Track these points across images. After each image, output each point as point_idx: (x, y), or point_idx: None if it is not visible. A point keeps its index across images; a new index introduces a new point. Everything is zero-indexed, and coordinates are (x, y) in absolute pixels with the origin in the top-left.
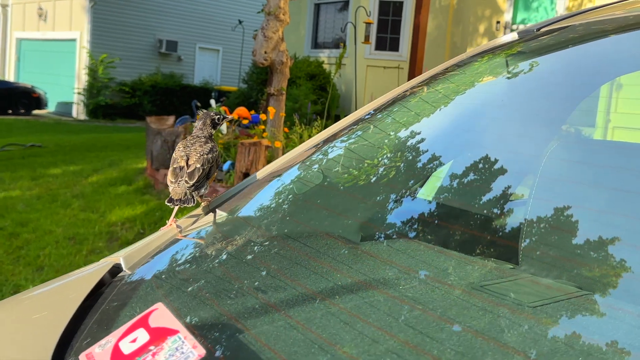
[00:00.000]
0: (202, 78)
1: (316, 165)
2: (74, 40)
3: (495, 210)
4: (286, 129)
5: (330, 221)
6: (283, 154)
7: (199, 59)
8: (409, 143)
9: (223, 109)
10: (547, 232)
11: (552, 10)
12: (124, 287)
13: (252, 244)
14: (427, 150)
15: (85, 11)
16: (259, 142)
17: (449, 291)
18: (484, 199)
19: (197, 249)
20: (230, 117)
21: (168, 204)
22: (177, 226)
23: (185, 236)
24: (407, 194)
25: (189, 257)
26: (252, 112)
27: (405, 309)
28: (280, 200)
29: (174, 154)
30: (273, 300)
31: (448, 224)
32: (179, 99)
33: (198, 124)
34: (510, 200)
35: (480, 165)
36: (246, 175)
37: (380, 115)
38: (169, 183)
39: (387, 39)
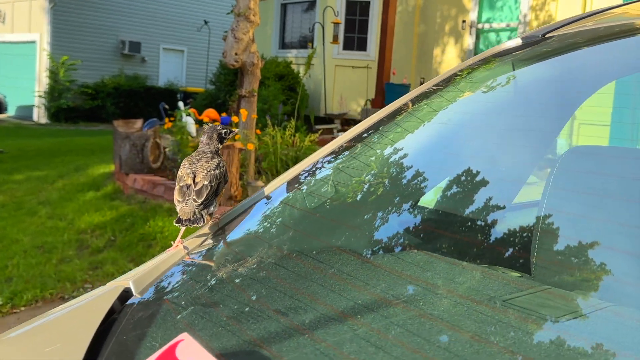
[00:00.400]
0: (167, 79)
1: (327, 178)
2: (33, 42)
3: (509, 221)
4: (258, 131)
5: (343, 235)
6: (256, 156)
7: (164, 60)
8: (414, 155)
9: (192, 111)
10: (560, 242)
11: (517, 9)
12: (137, 314)
13: (266, 263)
14: (434, 160)
15: (45, 12)
16: (232, 145)
17: (471, 307)
18: (497, 209)
19: (208, 270)
20: (236, 131)
21: (177, 225)
22: (185, 247)
23: (193, 258)
24: (419, 205)
25: (202, 280)
26: (223, 114)
27: (433, 327)
28: (292, 216)
29: (179, 172)
30: (298, 323)
31: (462, 235)
32: (144, 101)
33: (204, 138)
34: (525, 209)
35: (491, 176)
36: None
37: (386, 127)
38: (176, 203)
39: (354, 38)
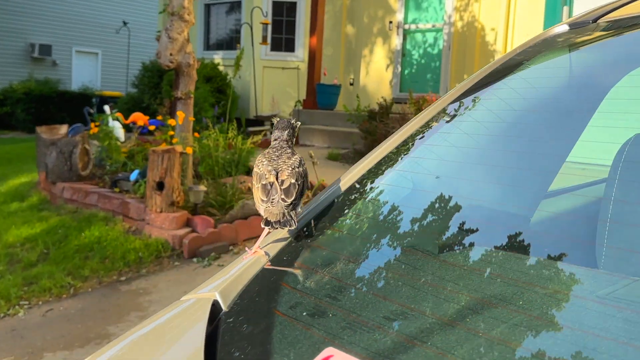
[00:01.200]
0: (82, 83)
1: (407, 170)
2: None
3: (567, 211)
4: (196, 134)
5: (435, 234)
6: (193, 160)
7: (76, 63)
8: (487, 143)
9: (118, 114)
10: (633, 231)
11: (441, 10)
12: (243, 330)
13: (367, 263)
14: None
15: None
16: (172, 149)
17: (585, 305)
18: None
19: (300, 277)
20: (299, 123)
21: (266, 227)
22: (266, 253)
23: (276, 264)
24: (500, 201)
25: (301, 288)
26: (159, 117)
27: (553, 329)
28: (377, 213)
29: (257, 169)
30: (431, 325)
31: (546, 232)
32: (57, 106)
33: (278, 133)
34: (580, 198)
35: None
36: (160, 184)
37: (459, 109)
38: (259, 203)
39: (282, 39)
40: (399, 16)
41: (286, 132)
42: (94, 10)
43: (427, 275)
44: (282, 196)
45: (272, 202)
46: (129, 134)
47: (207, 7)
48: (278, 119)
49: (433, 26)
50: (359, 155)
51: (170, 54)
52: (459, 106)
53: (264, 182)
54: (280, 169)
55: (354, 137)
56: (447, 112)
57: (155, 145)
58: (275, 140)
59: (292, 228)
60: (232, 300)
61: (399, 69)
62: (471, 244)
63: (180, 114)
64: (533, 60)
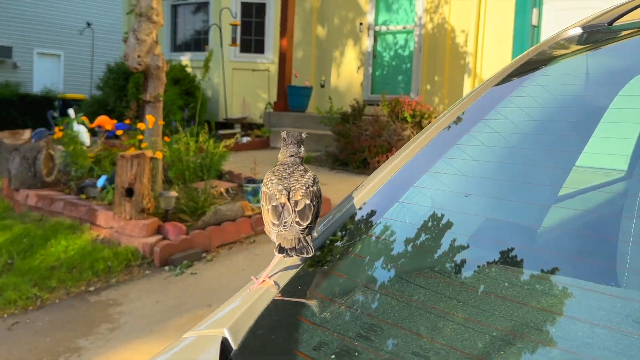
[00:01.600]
0: (43, 86)
1: (426, 186)
2: None
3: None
4: (166, 138)
5: (460, 257)
6: (163, 164)
7: (38, 65)
8: (516, 149)
9: (83, 118)
10: None
11: (412, 12)
12: None
13: (384, 295)
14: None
15: None
16: (142, 154)
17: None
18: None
19: (317, 310)
20: (305, 134)
21: (280, 255)
22: (275, 283)
23: (286, 296)
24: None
25: (318, 322)
26: (127, 121)
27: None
28: (397, 234)
29: (266, 189)
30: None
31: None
32: (17, 110)
33: (294, 149)
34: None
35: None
36: (129, 191)
37: (482, 116)
38: (269, 226)
39: (251, 40)
40: (370, 18)
41: (302, 147)
42: (56, 11)
43: (457, 305)
44: (297, 219)
45: (284, 226)
46: (95, 138)
47: (174, 7)
48: (286, 132)
49: (404, 28)
50: (332, 157)
51: (139, 56)
52: (473, 115)
53: (274, 204)
54: (292, 188)
55: (326, 139)
56: (460, 120)
57: (123, 150)
58: (292, 156)
59: (309, 255)
60: (242, 338)
61: (370, 71)
62: (500, 266)
63: (149, 118)
64: (546, 64)
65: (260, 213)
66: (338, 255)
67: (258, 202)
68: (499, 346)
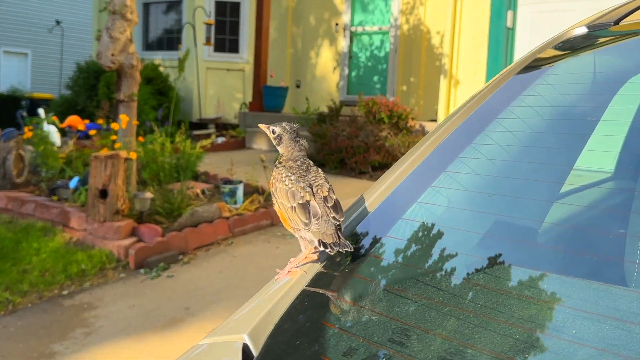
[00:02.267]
0: (10, 85)
1: (442, 185)
2: None
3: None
4: (141, 138)
5: (491, 257)
6: (137, 165)
7: (5, 64)
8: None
9: (53, 118)
10: None
11: (388, 12)
12: None
13: (411, 299)
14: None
15: None
16: (116, 154)
17: None
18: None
19: (343, 314)
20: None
21: (325, 250)
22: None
23: (314, 293)
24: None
25: (345, 328)
26: (100, 121)
27: None
28: (417, 234)
29: (285, 186)
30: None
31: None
32: None
33: (304, 142)
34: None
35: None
36: (103, 192)
37: (483, 118)
38: (298, 225)
39: (226, 40)
40: (345, 18)
41: (295, 140)
42: (24, 8)
43: (488, 309)
44: (332, 214)
45: (319, 224)
46: (65, 139)
47: (146, 5)
48: (285, 125)
49: (380, 29)
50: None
51: (112, 55)
52: (483, 115)
53: (301, 202)
54: (315, 184)
55: None
56: (471, 121)
57: (95, 150)
58: (300, 151)
59: (351, 250)
60: (264, 343)
61: (347, 72)
62: (530, 269)
63: (123, 118)
64: (552, 64)
65: (238, 214)
66: (358, 257)
67: (235, 203)
68: (529, 349)
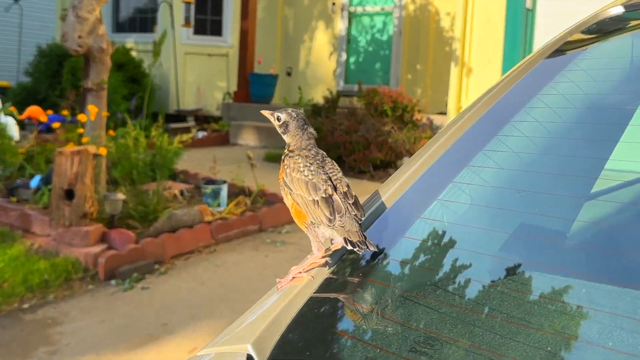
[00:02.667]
0: None
1: (463, 182)
2: None
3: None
4: (112, 132)
5: (514, 261)
6: (107, 162)
7: None
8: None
9: (11, 109)
10: None
11: None
12: None
13: (433, 306)
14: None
15: None
16: (84, 150)
17: None
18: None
19: (356, 322)
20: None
21: (350, 248)
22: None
23: (320, 301)
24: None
25: (360, 337)
26: (49, 111)
27: None
28: (437, 235)
29: (304, 176)
30: None
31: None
32: None
33: (312, 130)
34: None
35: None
36: (69, 193)
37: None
38: (321, 220)
39: (207, 21)
40: None
41: (303, 128)
42: None
43: (516, 318)
44: (355, 212)
45: (342, 221)
46: (25, 132)
47: None
48: (291, 111)
49: (382, 9)
50: None
51: (79, 37)
52: (509, 103)
53: (323, 195)
54: (334, 178)
55: None
56: (496, 110)
57: (60, 145)
58: (310, 139)
59: (376, 250)
60: (269, 354)
61: (344, 58)
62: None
63: (91, 108)
64: (584, 47)
65: (222, 219)
66: (372, 260)
67: (219, 205)
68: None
